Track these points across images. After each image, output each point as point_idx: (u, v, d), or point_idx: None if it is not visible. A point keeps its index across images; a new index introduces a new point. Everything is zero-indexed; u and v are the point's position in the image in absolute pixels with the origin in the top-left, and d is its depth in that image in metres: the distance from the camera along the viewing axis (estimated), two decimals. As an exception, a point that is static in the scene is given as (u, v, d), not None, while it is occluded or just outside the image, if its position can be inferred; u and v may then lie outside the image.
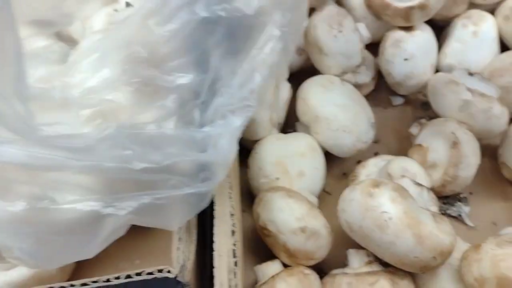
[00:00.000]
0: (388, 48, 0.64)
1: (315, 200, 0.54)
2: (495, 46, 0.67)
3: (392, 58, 0.63)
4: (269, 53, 0.40)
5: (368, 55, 0.68)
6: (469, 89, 0.58)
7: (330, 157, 0.60)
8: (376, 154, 0.65)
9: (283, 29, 0.41)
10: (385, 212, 0.44)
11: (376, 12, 0.63)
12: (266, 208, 0.50)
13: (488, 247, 0.43)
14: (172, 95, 0.36)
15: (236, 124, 0.36)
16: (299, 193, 0.51)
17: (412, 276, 0.50)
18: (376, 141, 0.66)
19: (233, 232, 0.39)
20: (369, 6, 0.64)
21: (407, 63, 0.63)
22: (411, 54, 0.63)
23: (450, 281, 0.48)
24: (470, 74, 0.60)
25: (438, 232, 0.44)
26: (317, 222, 0.49)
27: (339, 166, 0.64)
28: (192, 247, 0.38)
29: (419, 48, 0.63)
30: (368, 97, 0.69)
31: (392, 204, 0.44)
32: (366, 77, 0.67)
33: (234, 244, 0.38)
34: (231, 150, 0.36)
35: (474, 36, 0.66)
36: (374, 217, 0.44)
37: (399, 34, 0.63)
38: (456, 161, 0.56)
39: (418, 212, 0.45)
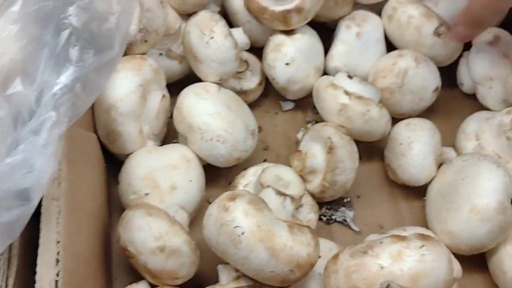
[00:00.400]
0: (269, 53, 0.62)
1: (184, 215, 0.51)
2: (381, 46, 0.67)
3: (273, 63, 0.62)
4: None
5: (254, 60, 0.66)
6: (346, 92, 0.57)
7: (216, 167, 0.58)
8: (265, 161, 0.64)
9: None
10: (238, 226, 0.42)
11: (255, 16, 0.62)
12: (127, 228, 0.47)
13: (344, 258, 0.42)
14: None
15: (39, 143, 0.33)
16: (161, 210, 0.48)
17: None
18: (265, 148, 0.65)
19: (57, 261, 0.36)
20: (249, 10, 0.62)
21: (288, 67, 0.62)
22: (292, 58, 0.61)
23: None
24: (350, 77, 0.59)
25: (294, 244, 0.42)
26: (178, 239, 0.46)
27: (225, 176, 0.62)
28: (11, 281, 0.35)
29: (301, 52, 0.62)
30: (257, 103, 0.68)
31: (245, 218, 0.42)
32: (251, 83, 0.65)
33: (57, 275, 0.35)
34: (44, 171, 0.33)
35: (358, 37, 0.65)
36: (228, 232, 0.42)
37: (280, 38, 0.62)
38: (333, 166, 0.54)
39: (273, 224, 0.43)
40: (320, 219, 0.58)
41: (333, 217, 0.59)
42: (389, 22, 0.66)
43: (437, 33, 0.62)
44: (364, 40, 0.65)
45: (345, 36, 0.66)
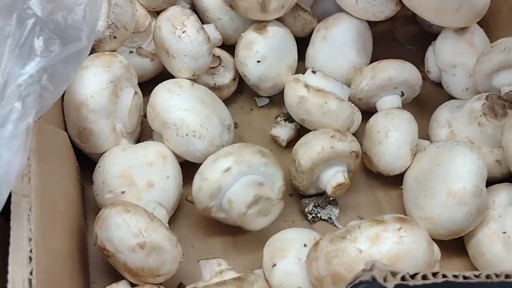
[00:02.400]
0: (241, 50, 0.62)
1: (163, 212, 0.50)
2: (349, 51, 0.64)
3: (245, 60, 0.61)
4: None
5: (227, 56, 0.66)
6: (306, 86, 0.58)
7: (192, 164, 0.57)
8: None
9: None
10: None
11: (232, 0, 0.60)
12: (104, 227, 0.45)
13: (323, 244, 0.41)
14: None
15: (5, 135, 0.32)
16: (139, 206, 0.47)
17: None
18: (241, 144, 0.64)
19: (30, 259, 0.34)
20: None
21: (260, 65, 0.61)
22: (263, 56, 0.61)
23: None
24: (313, 72, 0.60)
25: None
26: (158, 235, 0.45)
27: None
28: (-19, 281, 0.33)
29: (272, 50, 0.61)
30: (232, 99, 0.67)
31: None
32: (225, 79, 0.64)
33: (31, 273, 0.33)
34: (12, 165, 0.32)
35: (324, 40, 0.64)
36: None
37: (251, 35, 0.61)
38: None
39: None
40: (305, 217, 0.58)
41: (318, 215, 0.58)
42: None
43: None
44: (330, 43, 0.64)
45: (314, 37, 0.66)
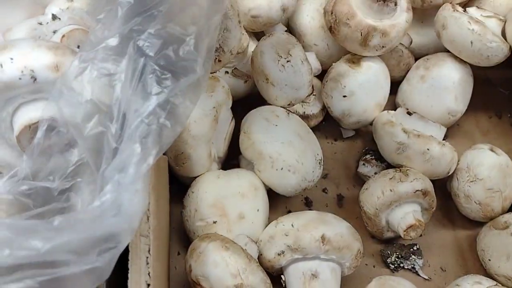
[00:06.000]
0: (329, 81, 0.59)
1: (254, 249, 0.49)
2: (447, 96, 0.61)
3: (331, 92, 0.59)
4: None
5: (318, 84, 0.64)
6: (404, 130, 0.55)
7: (275, 193, 0.56)
8: (324, 190, 0.62)
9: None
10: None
11: (336, 22, 0.57)
12: (200, 261, 0.45)
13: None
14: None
15: (127, 181, 0.31)
16: (236, 243, 0.46)
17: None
18: (324, 176, 0.63)
19: (148, 309, 0.33)
20: (331, 12, 0.58)
21: (345, 100, 0.59)
22: (351, 91, 0.59)
23: None
24: (409, 113, 0.57)
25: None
26: (255, 278, 0.44)
27: (284, 202, 0.59)
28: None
29: (362, 86, 0.59)
30: (316, 127, 0.65)
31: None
32: (315, 108, 0.63)
33: (149, 322, 0.33)
34: (134, 211, 0.31)
35: (422, 80, 0.62)
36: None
37: (343, 67, 0.59)
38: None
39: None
40: (387, 267, 0.56)
41: (401, 265, 0.56)
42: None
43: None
44: (428, 84, 0.61)
45: (411, 75, 0.63)
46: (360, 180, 0.62)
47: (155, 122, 0.37)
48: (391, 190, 0.52)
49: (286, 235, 0.48)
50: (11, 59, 0.37)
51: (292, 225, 0.49)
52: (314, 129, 0.65)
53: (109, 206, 0.31)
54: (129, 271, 0.35)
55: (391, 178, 0.53)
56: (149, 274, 0.35)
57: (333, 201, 0.61)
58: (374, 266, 0.57)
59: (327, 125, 0.66)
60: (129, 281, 0.34)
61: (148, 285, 0.34)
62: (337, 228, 0.49)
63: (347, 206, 0.61)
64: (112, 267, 0.31)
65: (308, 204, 0.60)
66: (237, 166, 0.57)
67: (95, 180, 0.34)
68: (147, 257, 0.35)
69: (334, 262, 0.49)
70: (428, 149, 0.55)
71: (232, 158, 0.60)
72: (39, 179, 0.37)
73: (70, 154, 0.36)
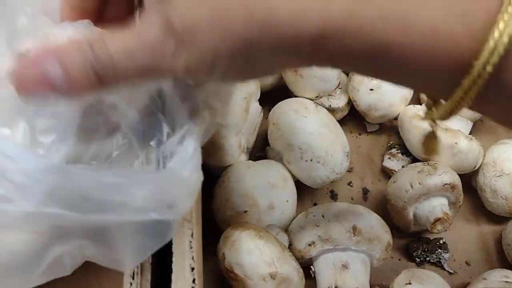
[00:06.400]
0: (356, 75, 0.60)
1: (285, 239, 0.49)
2: None
3: (357, 86, 0.59)
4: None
5: (344, 77, 0.64)
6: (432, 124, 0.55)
7: (301, 185, 0.56)
8: (349, 184, 0.62)
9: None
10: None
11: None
12: (233, 249, 0.45)
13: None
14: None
15: (187, 155, 0.31)
16: (270, 232, 0.46)
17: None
18: (349, 170, 0.63)
19: (194, 290, 0.33)
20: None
21: (372, 93, 0.59)
22: (377, 85, 0.59)
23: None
24: None
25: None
26: (288, 267, 0.44)
27: (310, 195, 0.60)
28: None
29: None
30: (342, 121, 0.66)
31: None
32: (340, 101, 0.63)
33: (196, 306, 0.33)
34: (195, 181, 0.31)
35: None
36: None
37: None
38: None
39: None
40: (413, 260, 0.56)
41: (427, 258, 0.56)
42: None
43: None
44: None
45: None
46: (385, 174, 0.63)
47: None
48: (419, 183, 0.53)
49: (317, 226, 0.49)
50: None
51: (322, 215, 0.49)
52: (339, 123, 0.65)
53: (173, 174, 0.31)
54: (173, 255, 0.35)
55: (419, 171, 0.53)
56: (193, 258, 0.35)
57: (359, 194, 0.61)
58: (399, 260, 0.57)
59: (351, 119, 0.67)
60: (173, 264, 0.34)
61: (193, 268, 0.34)
62: (367, 220, 0.49)
63: (372, 200, 0.61)
64: (171, 231, 0.31)
65: (333, 197, 0.60)
66: (263, 157, 0.58)
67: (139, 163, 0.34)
68: (190, 241, 0.35)
69: (364, 253, 0.49)
70: (456, 143, 0.55)
71: (258, 150, 0.60)
72: (82, 163, 0.37)
73: (114, 138, 0.36)
